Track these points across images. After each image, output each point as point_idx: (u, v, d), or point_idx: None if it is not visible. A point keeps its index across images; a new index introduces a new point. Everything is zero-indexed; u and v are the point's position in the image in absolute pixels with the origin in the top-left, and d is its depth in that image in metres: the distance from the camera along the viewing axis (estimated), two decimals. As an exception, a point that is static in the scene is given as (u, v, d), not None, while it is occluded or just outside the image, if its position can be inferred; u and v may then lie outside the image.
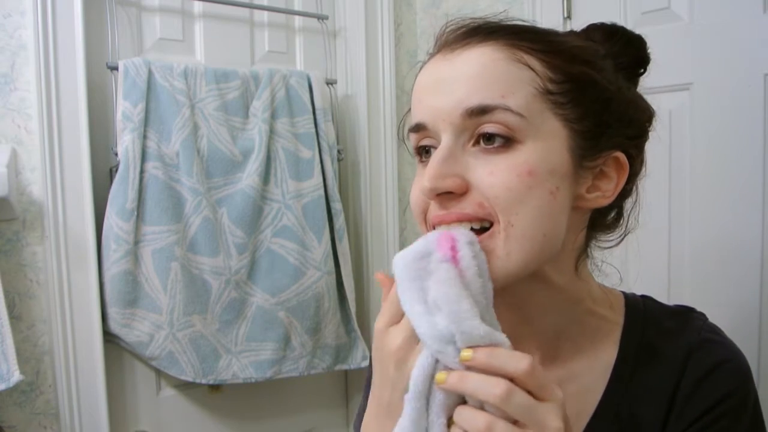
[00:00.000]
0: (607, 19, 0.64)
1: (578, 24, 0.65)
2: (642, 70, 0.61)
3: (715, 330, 0.59)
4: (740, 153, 1.08)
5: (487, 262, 0.49)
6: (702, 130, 1.12)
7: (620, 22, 0.63)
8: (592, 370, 0.58)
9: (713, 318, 0.62)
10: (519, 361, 0.43)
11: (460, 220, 0.50)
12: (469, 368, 0.43)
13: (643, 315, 0.60)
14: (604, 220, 0.59)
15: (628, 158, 0.54)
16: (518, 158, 0.49)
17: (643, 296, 0.64)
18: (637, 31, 0.60)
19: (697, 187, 1.14)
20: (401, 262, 0.47)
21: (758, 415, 0.56)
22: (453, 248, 0.47)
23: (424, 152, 0.55)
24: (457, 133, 0.50)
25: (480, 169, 0.49)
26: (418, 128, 0.53)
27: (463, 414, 0.44)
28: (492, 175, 0.49)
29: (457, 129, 0.50)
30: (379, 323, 0.50)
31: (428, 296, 0.45)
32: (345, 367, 1.51)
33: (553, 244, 0.52)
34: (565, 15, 1.29)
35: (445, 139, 0.51)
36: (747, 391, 0.55)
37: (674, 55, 1.14)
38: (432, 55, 0.55)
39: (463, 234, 0.48)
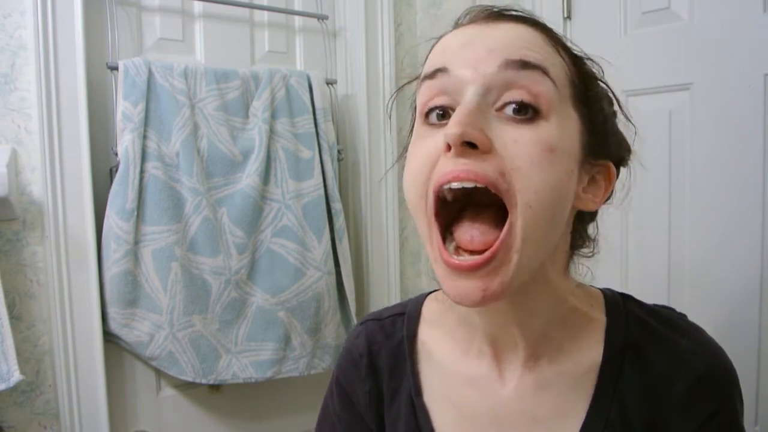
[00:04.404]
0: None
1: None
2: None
3: (698, 329, 0.58)
4: (740, 153, 1.08)
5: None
6: (702, 130, 1.12)
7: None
8: (578, 368, 0.56)
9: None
10: None
11: (477, 181, 0.46)
12: None
13: (625, 313, 0.58)
14: (580, 225, 0.59)
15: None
16: (543, 132, 0.47)
17: (621, 294, 0.62)
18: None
19: (697, 187, 1.14)
20: None
21: (741, 415, 0.56)
22: None
23: (434, 113, 0.50)
24: (484, 90, 0.47)
25: (506, 135, 0.47)
26: (436, 74, 0.49)
27: None
28: (517, 143, 0.46)
29: (486, 82, 0.47)
30: None
31: None
32: (345, 367, 1.51)
33: (558, 235, 0.52)
34: (565, 15, 1.29)
35: (471, 94, 0.47)
36: (737, 392, 0.55)
37: (674, 55, 1.14)
38: (456, 27, 0.53)
39: None
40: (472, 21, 0.52)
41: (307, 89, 1.48)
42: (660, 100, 1.16)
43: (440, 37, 0.54)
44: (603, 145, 0.54)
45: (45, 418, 1.23)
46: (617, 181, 0.58)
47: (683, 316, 0.60)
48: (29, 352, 1.21)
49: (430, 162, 0.49)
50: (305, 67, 1.58)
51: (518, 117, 0.47)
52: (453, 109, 0.48)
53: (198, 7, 1.43)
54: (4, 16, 1.17)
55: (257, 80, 1.41)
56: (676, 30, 1.14)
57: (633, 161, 0.61)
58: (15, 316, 1.19)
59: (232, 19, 1.48)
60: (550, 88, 0.47)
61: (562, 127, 0.48)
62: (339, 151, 1.55)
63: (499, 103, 0.48)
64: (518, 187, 0.46)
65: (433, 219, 0.50)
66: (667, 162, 1.17)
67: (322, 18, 1.57)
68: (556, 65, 0.50)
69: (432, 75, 0.50)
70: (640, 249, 1.22)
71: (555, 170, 0.47)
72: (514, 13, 0.52)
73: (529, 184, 0.46)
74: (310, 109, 1.47)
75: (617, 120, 0.59)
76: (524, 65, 0.47)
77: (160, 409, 1.40)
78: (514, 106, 0.47)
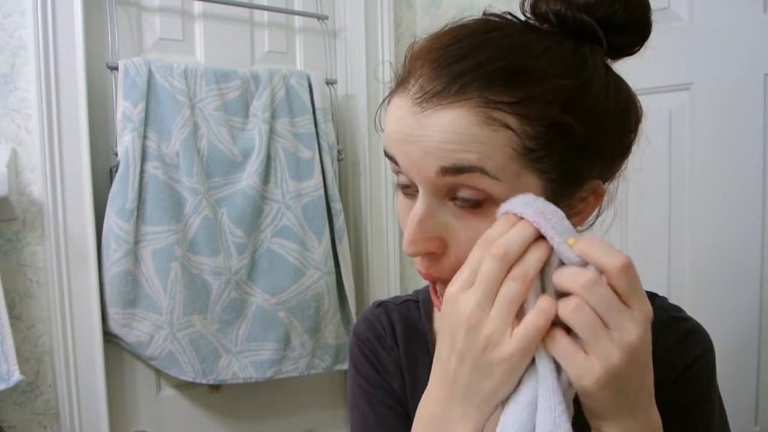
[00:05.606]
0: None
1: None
2: (639, 47, 0.55)
3: (677, 308, 0.64)
4: (740, 153, 1.08)
5: None
6: (702, 130, 1.12)
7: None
8: None
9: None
10: (614, 257, 0.42)
11: (436, 279, 0.52)
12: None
13: None
14: None
15: (607, 176, 0.55)
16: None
17: None
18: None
19: (697, 187, 1.14)
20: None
21: (715, 376, 0.62)
22: None
23: (403, 186, 0.53)
24: (432, 190, 0.49)
25: (459, 232, 0.50)
26: (392, 160, 0.52)
27: (563, 274, 0.43)
28: (470, 241, 0.48)
29: (431, 184, 0.49)
30: (451, 287, 0.46)
31: None
32: (345, 367, 1.51)
33: None
34: (565, 15, 1.29)
35: (422, 195, 0.50)
36: (712, 353, 0.61)
37: (674, 55, 1.14)
38: (399, 92, 0.52)
39: None
40: (410, 95, 0.50)
41: (307, 89, 1.48)
42: (660, 100, 1.16)
43: (392, 91, 0.54)
44: (578, 178, 0.51)
45: (45, 418, 1.23)
46: (617, 178, 0.58)
47: (664, 298, 0.65)
48: (29, 352, 1.21)
49: None
50: (305, 67, 1.58)
51: (469, 207, 0.49)
52: (415, 186, 0.51)
53: (198, 7, 1.43)
54: (4, 16, 1.17)
55: (257, 80, 1.41)
56: (676, 30, 1.14)
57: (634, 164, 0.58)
58: (15, 316, 1.19)
59: (232, 19, 1.48)
60: (491, 182, 0.47)
61: None
62: (339, 151, 1.55)
63: (450, 195, 0.50)
64: None
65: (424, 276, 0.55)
66: (667, 162, 1.17)
67: (322, 18, 1.57)
68: (501, 148, 0.46)
69: (388, 157, 0.53)
70: (641, 248, 1.22)
71: None
72: (451, 87, 0.47)
73: None
74: (310, 109, 1.47)
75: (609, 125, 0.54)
76: (459, 170, 0.47)
77: (160, 409, 1.40)
78: (463, 200, 0.49)
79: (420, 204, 0.50)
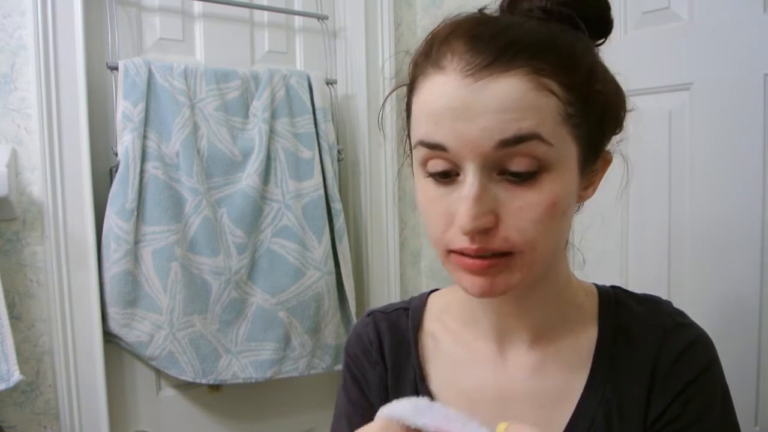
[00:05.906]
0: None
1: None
2: (605, 39, 0.59)
3: (682, 314, 0.64)
4: (740, 153, 1.08)
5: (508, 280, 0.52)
6: (702, 130, 1.12)
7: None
8: (575, 353, 0.61)
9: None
10: None
11: (486, 252, 0.51)
12: None
13: (615, 301, 0.64)
14: None
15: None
16: (543, 191, 0.50)
17: (612, 286, 0.68)
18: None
19: (697, 187, 1.14)
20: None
21: (725, 383, 0.61)
22: None
23: (440, 174, 0.53)
24: (482, 165, 0.49)
25: (509, 204, 0.50)
26: (435, 148, 0.51)
27: None
28: (521, 210, 0.50)
29: (485, 159, 0.49)
30: None
31: None
32: (345, 367, 1.51)
33: (562, 246, 0.58)
34: (565, 15, 1.29)
35: (474, 172, 0.49)
36: (717, 362, 0.61)
37: (674, 55, 1.14)
38: (433, 73, 0.51)
39: None
40: (458, 70, 0.49)
41: (307, 89, 1.48)
42: (660, 100, 1.16)
43: (417, 67, 0.54)
44: (599, 143, 0.55)
45: (45, 418, 1.23)
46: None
47: (668, 303, 0.65)
48: (29, 352, 1.21)
49: (446, 223, 0.53)
50: (305, 67, 1.58)
51: (519, 180, 0.50)
52: (454, 171, 0.51)
53: (198, 7, 1.43)
54: (4, 16, 1.17)
55: (257, 80, 1.41)
56: (676, 30, 1.14)
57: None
58: (15, 316, 1.19)
59: (232, 19, 1.48)
60: (545, 149, 0.49)
61: (561, 173, 0.51)
62: (339, 151, 1.55)
63: (500, 169, 0.50)
64: (522, 242, 0.51)
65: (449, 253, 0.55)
66: (666, 162, 1.17)
67: (322, 18, 1.57)
68: (551, 114, 0.49)
69: (431, 147, 0.51)
70: (641, 249, 1.23)
71: (558, 219, 0.52)
72: (502, 57, 0.48)
73: (533, 240, 0.51)
74: (310, 109, 1.47)
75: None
76: (518, 140, 0.48)
77: (160, 409, 1.40)
78: (515, 173, 0.50)
79: (473, 180, 0.49)
